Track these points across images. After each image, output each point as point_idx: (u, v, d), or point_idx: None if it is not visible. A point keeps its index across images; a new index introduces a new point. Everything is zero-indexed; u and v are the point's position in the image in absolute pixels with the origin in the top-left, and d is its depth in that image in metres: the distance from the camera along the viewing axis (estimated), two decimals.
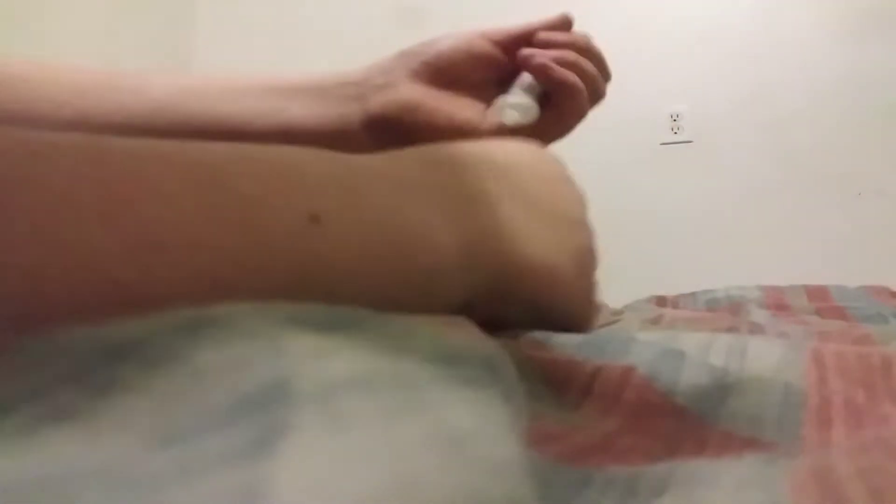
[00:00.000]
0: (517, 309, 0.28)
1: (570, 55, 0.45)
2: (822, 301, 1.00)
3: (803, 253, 1.76)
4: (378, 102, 0.45)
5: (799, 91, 1.85)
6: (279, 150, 0.19)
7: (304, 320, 0.12)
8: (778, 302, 1.01)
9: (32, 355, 0.10)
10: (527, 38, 0.46)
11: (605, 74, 0.48)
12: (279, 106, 0.45)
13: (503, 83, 0.47)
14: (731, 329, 0.49)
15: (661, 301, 1.14)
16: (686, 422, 0.18)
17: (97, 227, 0.13)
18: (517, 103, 0.45)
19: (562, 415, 0.19)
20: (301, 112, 0.45)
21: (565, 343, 0.25)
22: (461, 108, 0.46)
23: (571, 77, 0.45)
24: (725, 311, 0.92)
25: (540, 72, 0.45)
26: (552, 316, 0.29)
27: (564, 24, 0.47)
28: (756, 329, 0.65)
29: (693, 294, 1.16)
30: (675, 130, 1.92)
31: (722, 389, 0.19)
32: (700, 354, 0.21)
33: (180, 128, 0.43)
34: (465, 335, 0.15)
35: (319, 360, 0.10)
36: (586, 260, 0.30)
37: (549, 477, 0.15)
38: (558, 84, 0.44)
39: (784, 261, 1.75)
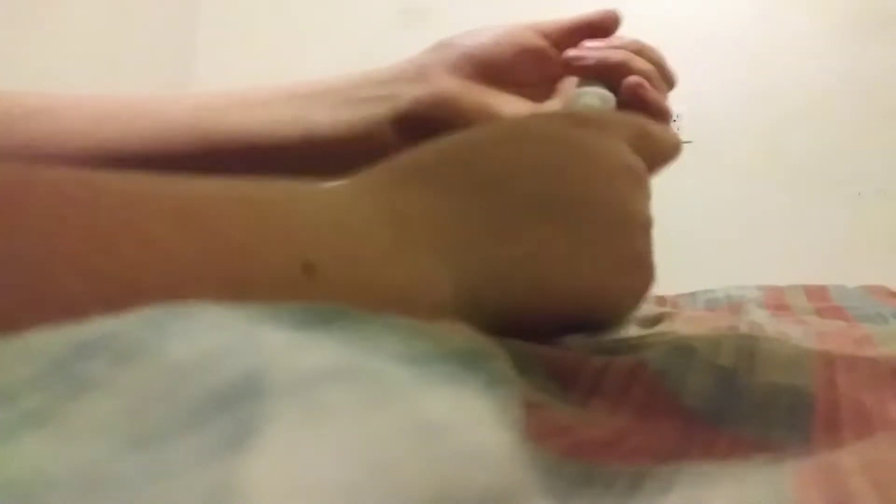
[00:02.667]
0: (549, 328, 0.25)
1: (648, 68, 0.38)
2: (821, 301, 1.00)
3: (803, 253, 1.76)
4: (410, 97, 0.39)
5: (799, 91, 1.85)
6: (274, 189, 0.18)
7: (277, 317, 0.12)
8: (777, 302, 1.01)
9: (5, 356, 0.10)
10: (580, 34, 0.40)
11: (670, 83, 0.41)
12: (301, 114, 0.41)
13: (554, 82, 0.41)
14: (731, 329, 0.49)
15: (660, 301, 1.14)
16: (694, 424, 0.18)
17: (75, 274, 0.13)
18: (594, 92, 0.37)
19: (569, 408, 0.19)
20: (324, 118, 0.41)
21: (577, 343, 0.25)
22: (506, 103, 0.39)
23: (661, 99, 0.37)
24: (725, 311, 0.92)
25: (632, 92, 0.37)
26: (592, 325, 0.26)
27: (615, 21, 0.41)
28: (756, 329, 0.65)
29: (693, 294, 1.16)
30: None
31: (730, 392, 0.19)
32: (709, 354, 0.21)
33: (198, 147, 0.41)
34: (445, 333, 0.15)
35: (294, 353, 0.10)
36: (641, 268, 0.26)
37: (552, 470, 0.16)
38: (644, 104, 0.37)
39: (784, 261, 1.75)
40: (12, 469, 0.08)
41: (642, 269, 0.26)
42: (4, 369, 0.10)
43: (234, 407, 0.09)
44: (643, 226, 0.27)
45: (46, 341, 0.10)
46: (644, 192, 0.27)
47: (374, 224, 0.20)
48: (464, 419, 0.10)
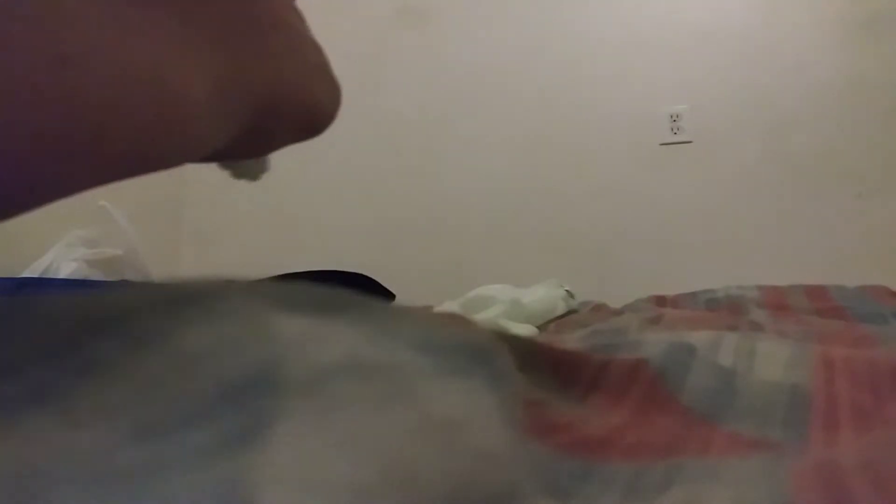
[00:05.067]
0: (282, 138, 0.28)
1: None
2: (821, 301, 1.00)
3: (803, 253, 1.76)
4: None
5: (799, 91, 1.85)
6: None
7: (292, 302, 0.11)
8: (777, 302, 1.01)
9: (15, 323, 0.10)
10: None
11: None
12: None
13: None
14: (731, 329, 0.49)
15: (660, 301, 1.14)
16: (691, 422, 0.18)
17: None
18: None
19: (568, 405, 0.19)
20: None
21: (580, 339, 0.25)
22: None
23: None
24: (725, 311, 0.92)
25: None
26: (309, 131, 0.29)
27: None
28: (756, 329, 0.65)
29: (693, 294, 1.16)
30: (675, 131, 1.92)
31: (729, 391, 0.19)
32: (709, 353, 0.20)
33: None
34: (452, 325, 0.15)
35: (308, 346, 0.10)
36: (332, 79, 0.30)
37: (551, 468, 0.15)
38: None
39: (784, 261, 1.75)
40: (9, 452, 0.08)
41: (332, 80, 0.31)
42: (15, 337, 0.09)
43: (247, 400, 0.09)
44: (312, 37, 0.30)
45: (61, 313, 0.10)
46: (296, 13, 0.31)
47: (128, 23, 0.19)
48: (474, 417, 0.10)
